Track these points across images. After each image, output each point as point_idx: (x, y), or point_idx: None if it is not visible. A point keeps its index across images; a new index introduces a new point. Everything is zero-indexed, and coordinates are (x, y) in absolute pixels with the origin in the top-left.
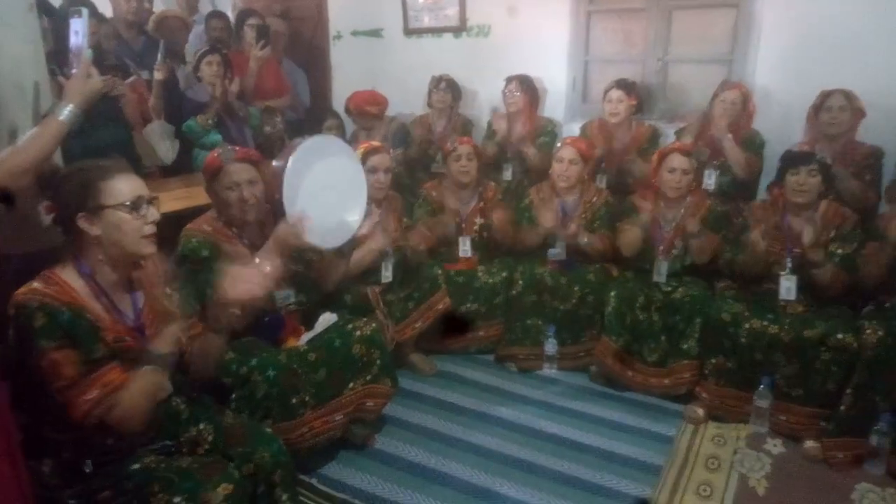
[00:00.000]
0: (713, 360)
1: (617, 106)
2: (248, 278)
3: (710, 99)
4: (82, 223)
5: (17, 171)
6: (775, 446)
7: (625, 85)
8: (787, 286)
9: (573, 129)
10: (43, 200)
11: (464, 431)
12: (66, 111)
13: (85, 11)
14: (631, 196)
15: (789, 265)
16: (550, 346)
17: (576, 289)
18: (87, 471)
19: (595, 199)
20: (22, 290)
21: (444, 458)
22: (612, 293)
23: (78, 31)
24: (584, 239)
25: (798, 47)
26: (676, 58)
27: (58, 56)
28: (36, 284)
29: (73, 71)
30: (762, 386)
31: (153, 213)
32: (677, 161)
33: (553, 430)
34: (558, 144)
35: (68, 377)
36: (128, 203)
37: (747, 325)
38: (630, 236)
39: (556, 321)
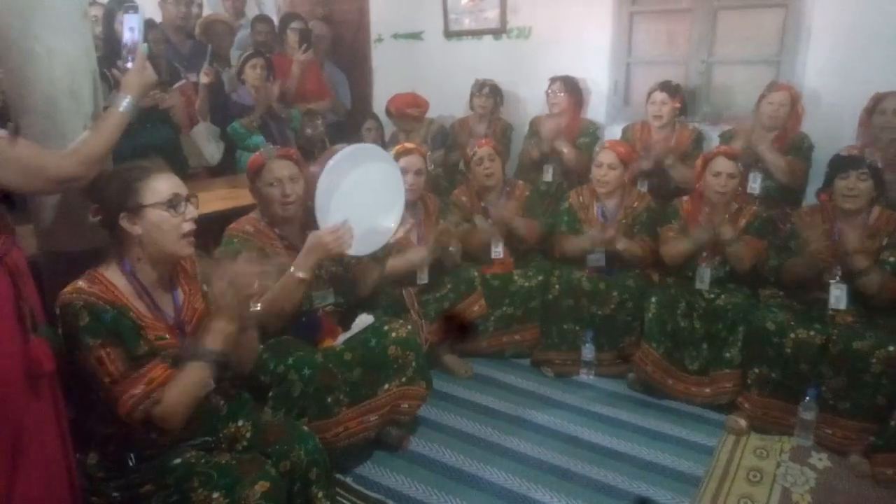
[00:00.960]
0: (756, 370)
1: (660, 108)
2: (291, 298)
3: (757, 101)
4: (124, 223)
5: (91, 160)
6: (820, 460)
7: (668, 87)
8: (837, 295)
9: (615, 131)
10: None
11: (499, 436)
12: (126, 102)
13: (140, 7)
14: (674, 201)
15: (839, 273)
16: (588, 352)
17: (614, 294)
18: (131, 464)
19: (636, 203)
20: (68, 288)
21: (478, 462)
22: (653, 299)
23: (133, 27)
24: (622, 245)
25: (849, 48)
26: (721, 59)
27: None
28: (81, 283)
29: (129, 65)
30: (808, 398)
31: (191, 211)
32: (722, 164)
33: (590, 437)
34: (597, 149)
35: (113, 374)
36: (166, 201)
37: (793, 335)
38: (677, 249)
39: (593, 326)
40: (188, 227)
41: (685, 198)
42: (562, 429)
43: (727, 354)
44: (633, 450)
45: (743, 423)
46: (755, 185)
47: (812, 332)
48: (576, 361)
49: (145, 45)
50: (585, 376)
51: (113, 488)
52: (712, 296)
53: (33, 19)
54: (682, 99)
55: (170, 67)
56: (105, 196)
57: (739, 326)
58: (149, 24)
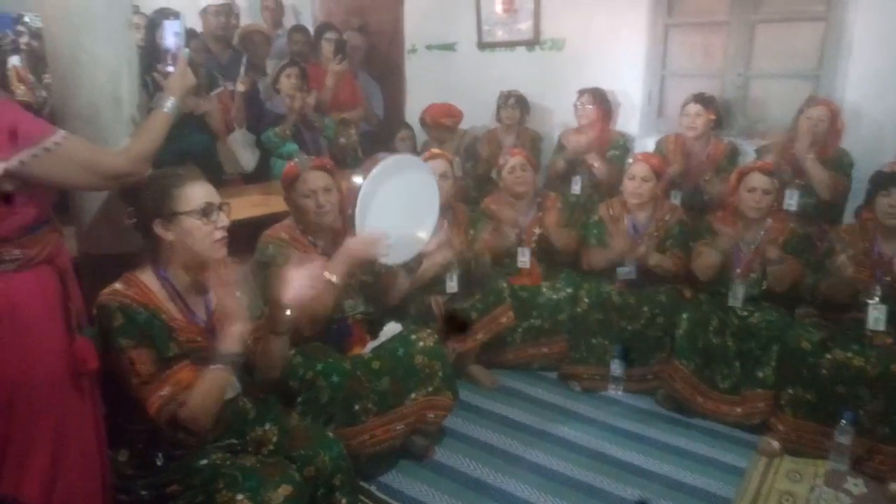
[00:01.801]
0: (791, 391)
1: (695, 120)
2: (300, 280)
3: (795, 115)
4: (158, 229)
5: (142, 157)
6: (856, 486)
7: (703, 99)
8: (876, 316)
9: (647, 144)
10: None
11: (524, 449)
12: (170, 103)
13: (182, 14)
14: (708, 216)
15: (878, 293)
16: (616, 367)
17: (645, 309)
18: (159, 463)
19: (668, 216)
20: (105, 290)
21: (503, 475)
22: (684, 315)
23: (177, 32)
24: (654, 259)
25: (891, 61)
26: (759, 72)
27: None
28: (117, 286)
29: (171, 69)
30: (844, 421)
31: (223, 219)
32: (757, 180)
33: (617, 453)
34: (630, 160)
35: (143, 374)
36: (199, 209)
37: (829, 356)
38: (707, 260)
39: (623, 341)
40: (219, 234)
41: (718, 213)
42: (588, 444)
43: (760, 374)
44: (661, 468)
45: (776, 444)
46: (792, 201)
47: (850, 354)
48: (604, 376)
49: (186, 50)
50: (613, 392)
51: (141, 486)
52: (745, 313)
53: (80, 29)
54: (717, 111)
55: (209, 76)
56: (141, 201)
57: (773, 345)
58: (190, 34)
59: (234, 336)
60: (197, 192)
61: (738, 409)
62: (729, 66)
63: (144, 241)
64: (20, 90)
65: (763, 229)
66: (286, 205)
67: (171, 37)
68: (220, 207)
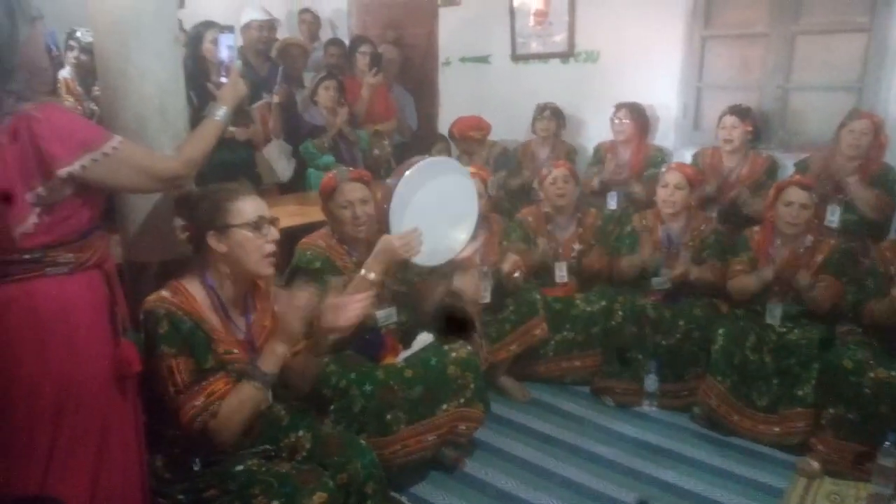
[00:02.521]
0: (832, 410)
1: (731, 132)
2: (349, 308)
3: (837, 129)
4: (211, 240)
5: (192, 161)
6: None
7: (739, 111)
8: None
9: (684, 156)
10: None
11: (556, 464)
12: (222, 112)
13: (235, 28)
14: (744, 231)
15: None
16: (651, 383)
17: (680, 323)
18: (196, 468)
19: (703, 226)
20: (152, 297)
21: (533, 489)
22: (721, 330)
23: (230, 45)
24: (695, 273)
25: None
26: (799, 85)
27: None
28: (164, 293)
29: (224, 80)
30: (888, 442)
31: (273, 233)
32: (795, 195)
33: (651, 471)
34: (662, 169)
35: (179, 384)
36: (251, 223)
37: (872, 375)
38: (743, 284)
39: (657, 356)
40: (270, 248)
41: (756, 228)
42: (621, 460)
43: (799, 392)
44: (696, 487)
45: (816, 465)
46: (833, 217)
47: (893, 373)
48: (638, 391)
49: (238, 62)
50: (647, 407)
51: (178, 490)
52: (784, 329)
53: (129, 42)
54: (754, 123)
55: (251, 88)
56: (196, 214)
57: (814, 363)
58: None
59: (276, 356)
60: (249, 206)
61: (776, 429)
62: (768, 78)
63: (195, 252)
64: (69, 101)
65: (802, 247)
66: (324, 214)
67: (224, 49)
68: (270, 222)
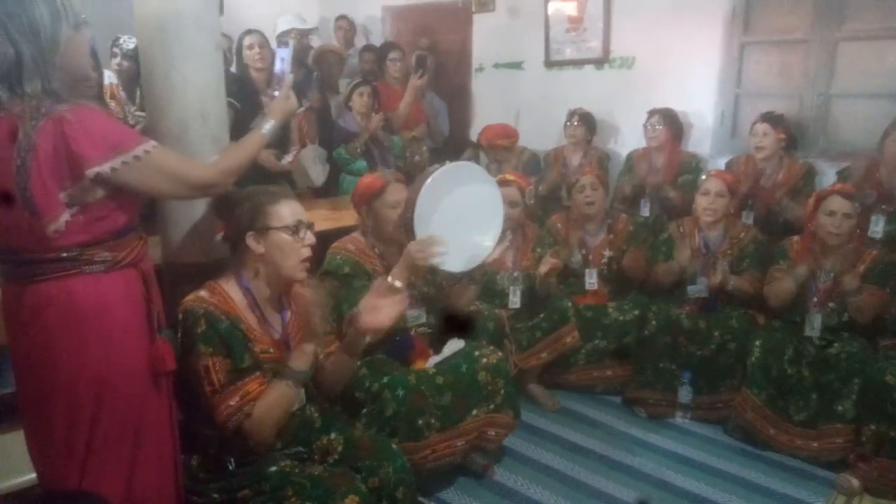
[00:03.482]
0: (873, 427)
1: (762, 140)
2: (385, 309)
3: (881, 138)
4: (250, 241)
5: (229, 171)
6: None
7: (771, 118)
8: None
9: (720, 164)
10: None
11: (586, 474)
12: (269, 126)
13: (291, 43)
14: (784, 239)
15: None
16: (685, 394)
17: (716, 334)
18: (230, 468)
19: (742, 234)
20: (190, 297)
21: (563, 499)
22: (757, 342)
23: (284, 59)
24: (731, 283)
25: None
26: (841, 92)
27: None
28: (202, 293)
29: (276, 93)
30: None
31: (310, 237)
32: (836, 203)
33: (684, 484)
34: (703, 177)
35: (215, 384)
36: (290, 226)
37: None
38: (780, 287)
39: (691, 367)
40: (306, 252)
41: (796, 238)
42: (654, 473)
43: (839, 407)
44: (730, 501)
45: (856, 483)
46: (877, 228)
47: None
48: (671, 403)
49: (291, 76)
50: (681, 419)
51: (213, 490)
52: (823, 343)
53: (172, 49)
54: (788, 131)
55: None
56: (235, 215)
57: (854, 378)
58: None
59: (307, 354)
60: (288, 210)
61: (815, 444)
62: (808, 86)
63: (233, 253)
64: (111, 105)
65: (843, 256)
66: (361, 217)
67: (279, 63)
68: (308, 226)
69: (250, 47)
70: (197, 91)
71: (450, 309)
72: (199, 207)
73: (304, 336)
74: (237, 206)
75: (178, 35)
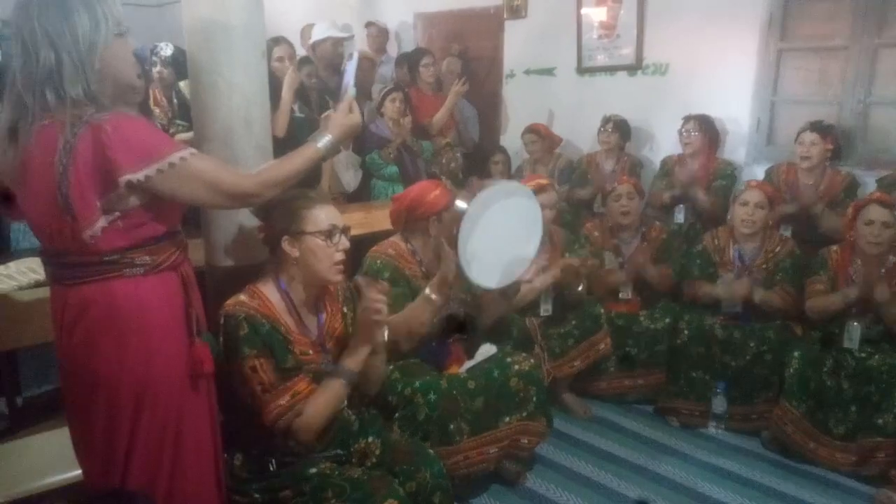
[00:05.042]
0: None
1: (810, 149)
2: (420, 318)
3: None
4: (285, 245)
5: (270, 183)
6: None
7: (821, 128)
8: None
9: (755, 172)
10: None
11: (619, 483)
12: (325, 140)
13: (355, 55)
14: (822, 250)
15: None
16: (719, 404)
17: (751, 345)
18: (272, 468)
19: (779, 248)
20: (231, 301)
21: None
22: (796, 354)
23: (348, 71)
24: (759, 295)
25: None
26: (882, 99)
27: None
28: (242, 297)
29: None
30: None
31: (344, 242)
32: (875, 212)
33: (719, 495)
34: (741, 187)
35: (265, 383)
36: (324, 231)
37: None
38: (824, 304)
39: (725, 377)
40: (339, 256)
41: (835, 248)
42: (688, 483)
43: (879, 421)
44: None
45: None
46: None
47: None
48: (704, 413)
49: (353, 89)
50: (714, 430)
51: (255, 490)
52: (863, 355)
53: (219, 56)
54: (835, 140)
55: (320, 100)
56: (273, 218)
57: (895, 391)
58: (303, 61)
59: (361, 356)
60: (323, 214)
61: (854, 458)
62: (847, 93)
63: (270, 255)
64: (156, 111)
65: (884, 267)
66: (411, 225)
67: (346, 76)
68: (343, 231)
69: (280, 60)
70: (243, 98)
71: (479, 317)
72: (243, 211)
73: (360, 338)
74: (274, 209)
75: (227, 44)
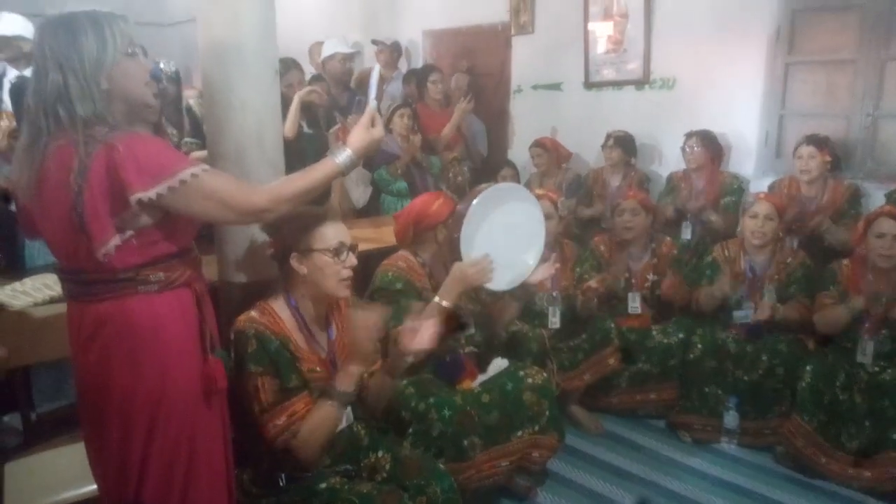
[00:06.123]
0: None
1: (808, 162)
2: (423, 333)
3: None
4: (294, 262)
5: (282, 198)
6: None
7: (816, 140)
8: None
9: (763, 186)
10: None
11: (630, 499)
12: (343, 155)
13: (376, 67)
14: (833, 263)
15: None
16: (731, 419)
17: (763, 358)
18: (282, 484)
19: (790, 259)
20: (242, 317)
21: None
22: (808, 367)
23: (370, 84)
24: (779, 313)
25: None
26: (889, 112)
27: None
28: (253, 313)
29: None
30: None
31: (351, 260)
32: (887, 226)
33: None
34: (750, 199)
35: (263, 402)
36: (332, 248)
37: None
38: (832, 317)
39: (738, 392)
40: (346, 273)
41: (845, 261)
42: (700, 499)
43: (894, 436)
44: None
45: None
46: None
47: None
48: (716, 428)
49: (374, 102)
50: (727, 445)
51: None
52: (877, 369)
53: (233, 75)
54: (834, 153)
55: (328, 115)
56: (282, 234)
57: None
58: (314, 78)
59: (352, 376)
60: (332, 232)
61: (868, 474)
62: (856, 106)
63: (280, 272)
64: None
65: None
66: (419, 237)
67: (370, 90)
68: (350, 249)
69: (289, 87)
70: (256, 116)
71: (491, 327)
72: (256, 227)
73: (350, 357)
74: (283, 225)
75: (240, 63)
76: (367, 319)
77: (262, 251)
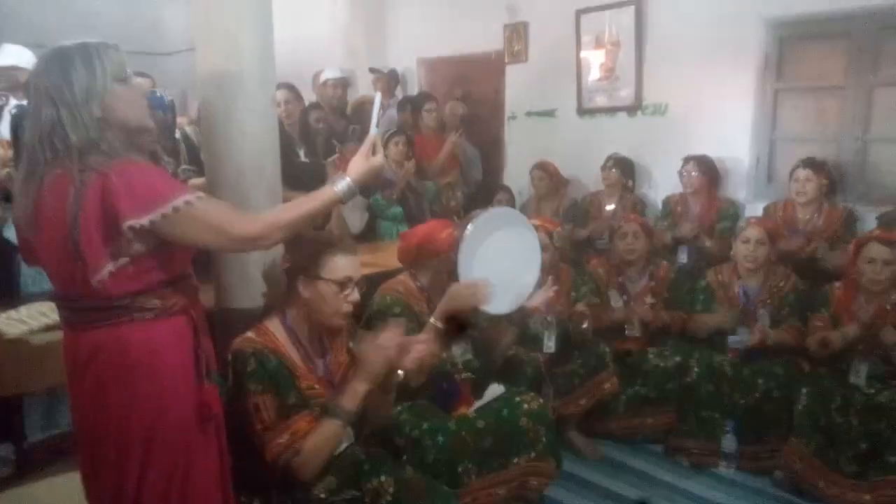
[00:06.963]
0: None
1: (804, 185)
2: (412, 349)
3: None
4: (299, 284)
5: (277, 226)
6: None
7: (813, 164)
8: None
9: (756, 210)
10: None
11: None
12: (343, 183)
13: (378, 95)
14: (825, 286)
15: None
16: (729, 443)
17: (760, 382)
18: None
19: (782, 283)
20: (239, 339)
21: None
22: (804, 390)
23: (372, 112)
24: (772, 338)
25: None
26: (879, 137)
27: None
28: (250, 334)
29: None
30: None
31: (354, 296)
32: (876, 251)
33: None
34: (742, 224)
35: (265, 421)
36: (338, 281)
37: None
38: (826, 342)
39: (736, 416)
40: (346, 308)
41: (837, 284)
42: None
43: (892, 458)
44: None
45: None
46: None
47: None
48: (714, 452)
49: (376, 129)
50: (725, 469)
51: None
52: (872, 391)
53: (233, 103)
54: (829, 176)
55: (327, 143)
56: (295, 254)
57: None
58: (313, 105)
59: (357, 394)
60: (342, 264)
61: (867, 497)
62: (845, 131)
63: (286, 288)
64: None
65: (889, 304)
66: (421, 259)
67: (373, 117)
68: (356, 284)
69: (279, 105)
70: (255, 143)
71: (489, 352)
72: (252, 255)
73: (358, 374)
74: (299, 246)
75: (240, 90)
76: (381, 339)
77: (258, 278)
